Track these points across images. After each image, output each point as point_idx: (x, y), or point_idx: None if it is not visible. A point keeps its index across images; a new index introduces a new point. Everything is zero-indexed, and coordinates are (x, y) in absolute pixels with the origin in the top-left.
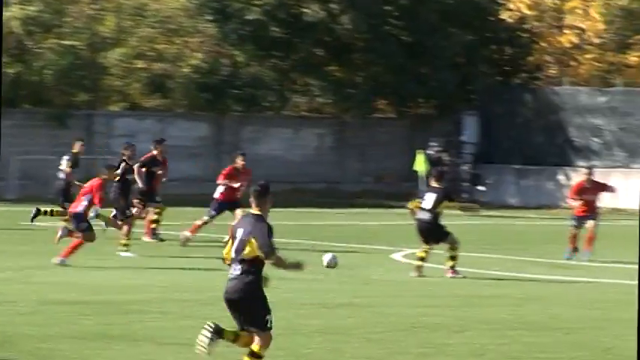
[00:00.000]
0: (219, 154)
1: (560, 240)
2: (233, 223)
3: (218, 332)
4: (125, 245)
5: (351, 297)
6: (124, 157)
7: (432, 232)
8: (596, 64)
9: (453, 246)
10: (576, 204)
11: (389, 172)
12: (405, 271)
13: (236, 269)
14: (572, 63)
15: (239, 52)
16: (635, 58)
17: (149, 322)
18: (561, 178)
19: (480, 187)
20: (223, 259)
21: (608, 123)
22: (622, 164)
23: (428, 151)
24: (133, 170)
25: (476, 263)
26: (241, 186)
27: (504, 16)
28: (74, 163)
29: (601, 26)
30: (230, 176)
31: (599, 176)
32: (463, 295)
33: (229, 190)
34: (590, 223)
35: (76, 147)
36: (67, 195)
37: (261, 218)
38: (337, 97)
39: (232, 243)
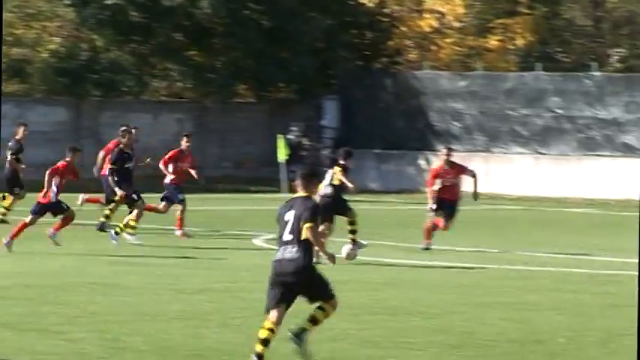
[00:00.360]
0: (78, 140)
1: (421, 224)
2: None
3: (300, 333)
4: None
5: (211, 282)
6: (121, 145)
7: (334, 207)
8: (457, 48)
9: (353, 220)
10: (436, 188)
11: (248, 157)
12: (265, 256)
13: (292, 250)
14: (433, 47)
15: (98, 36)
16: (495, 42)
17: (9, 308)
18: (422, 162)
19: None
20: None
21: (469, 107)
22: (482, 148)
23: (288, 136)
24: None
25: (337, 248)
26: (187, 168)
27: (364, 0)
28: (18, 150)
29: (461, 10)
30: (176, 159)
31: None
32: None
33: (178, 173)
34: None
35: (20, 132)
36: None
37: (310, 199)
38: (197, 81)
39: (280, 226)
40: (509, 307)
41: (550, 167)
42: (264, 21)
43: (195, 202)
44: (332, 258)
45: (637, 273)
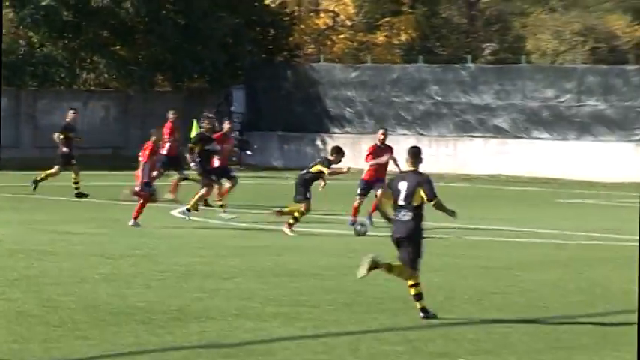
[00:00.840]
0: (17, 124)
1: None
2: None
3: (375, 263)
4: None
5: (133, 248)
6: (202, 130)
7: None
8: (349, 43)
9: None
10: (372, 164)
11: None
12: (180, 225)
13: (406, 214)
14: (328, 42)
15: (34, 34)
16: (382, 38)
17: None
18: (319, 143)
19: (247, 152)
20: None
21: (360, 95)
22: (371, 131)
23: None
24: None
25: (245, 218)
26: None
27: (267, 1)
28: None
29: (352, 10)
30: (222, 141)
31: (351, 142)
32: (232, 246)
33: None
34: (378, 191)
35: (69, 115)
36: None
37: (420, 173)
38: (121, 73)
39: (393, 194)
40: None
41: (430, 147)
42: (179, 20)
43: (120, 178)
44: (453, 213)
45: (516, 239)
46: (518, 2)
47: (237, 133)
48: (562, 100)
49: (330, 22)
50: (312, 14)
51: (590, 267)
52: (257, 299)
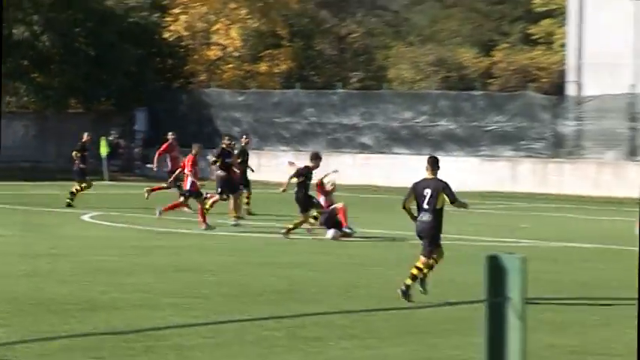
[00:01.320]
0: None
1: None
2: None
3: (414, 278)
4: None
5: (50, 249)
6: (223, 145)
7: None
8: (236, 71)
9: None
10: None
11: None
12: (90, 229)
13: (428, 216)
14: (218, 71)
15: None
16: (265, 67)
17: None
18: (209, 157)
19: (148, 165)
20: (404, 207)
21: (245, 116)
22: (256, 147)
23: (109, 138)
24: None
25: (150, 222)
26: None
27: (166, 35)
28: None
29: (239, 43)
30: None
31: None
32: (136, 246)
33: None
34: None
35: (84, 137)
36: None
37: (439, 179)
38: (39, 97)
39: (417, 198)
40: (275, 266)
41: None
42: (90, 51)
43: (38, 188)
44: (467, 205)
45: (377, 240)
46: (381, 37)
47: (140, 148)
48: (418, 120)
49: (219, 53)
50: (204, 46)
51: (439, 263)
52: (156, 292)
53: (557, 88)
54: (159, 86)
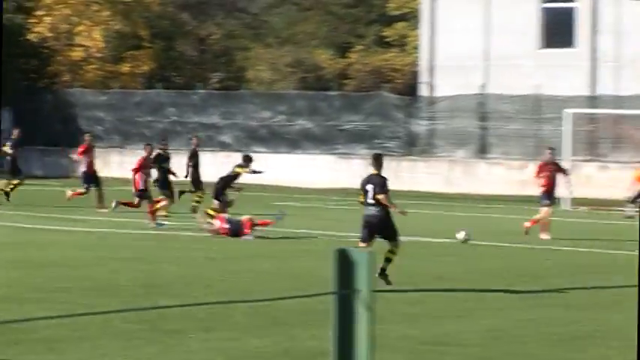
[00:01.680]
0: None
1: (72, 201)
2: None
3: (383, 271)
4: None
5: None
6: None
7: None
8: (99, 72)
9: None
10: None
11: None
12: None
13: (374, 209)
14: (81, 71)
15: None
16: (127, 68)
17: None
18: (73, 156)
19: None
20: (361, 202)
21: (108, 115)
22: (118, 145)
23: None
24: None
25: (19, 219)
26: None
27: (30, 36)
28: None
29: (101, 44)
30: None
31: (104, 154)
32: (5, 243)
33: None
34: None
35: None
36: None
37: (380, 176)
38: None
39: (365, 192)
40: (141, 261)
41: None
42: None
43: None
44: (403, 212)
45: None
46: (240, 39)
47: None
48: (276, 120)
49: (83, 54)
50: (67, 47)
51: (296, 258)
52: (21, 287)
53: (410, 89)
54: (24, 86)
